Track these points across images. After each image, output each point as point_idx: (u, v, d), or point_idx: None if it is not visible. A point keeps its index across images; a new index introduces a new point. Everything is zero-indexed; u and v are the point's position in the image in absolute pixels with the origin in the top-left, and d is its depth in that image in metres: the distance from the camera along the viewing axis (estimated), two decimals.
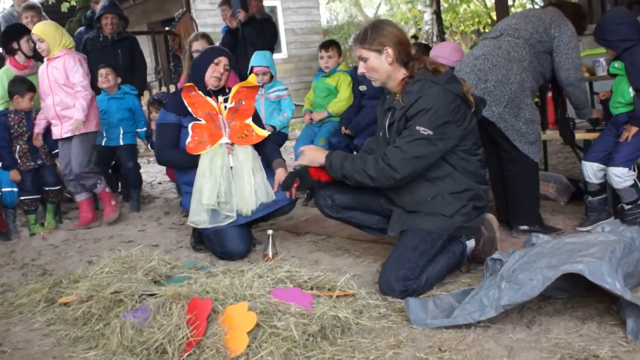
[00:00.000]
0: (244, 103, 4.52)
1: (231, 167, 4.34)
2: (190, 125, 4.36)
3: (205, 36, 6.27)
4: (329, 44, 6.27)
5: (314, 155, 3.81)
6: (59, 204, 6.08)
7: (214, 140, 4.35)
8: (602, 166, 4.33)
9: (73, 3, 12.21)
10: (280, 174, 4.32)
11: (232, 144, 4.40)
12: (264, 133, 4.53)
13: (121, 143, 6.36)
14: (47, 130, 5.89)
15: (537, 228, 4.30)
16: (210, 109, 4.42)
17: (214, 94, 4.50)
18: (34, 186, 5.76)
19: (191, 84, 4.41)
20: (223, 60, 4.49)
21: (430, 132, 3.38)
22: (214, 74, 4.46)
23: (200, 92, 4.43)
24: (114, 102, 6.34)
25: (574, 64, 4.32)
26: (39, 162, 5.80)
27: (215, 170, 4.27)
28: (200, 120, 4.38)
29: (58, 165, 6.00)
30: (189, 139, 4.34)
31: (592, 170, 4.37)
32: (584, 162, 4.45)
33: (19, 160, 5.71)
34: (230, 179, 4.30)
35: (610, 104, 4.43)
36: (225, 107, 4.46)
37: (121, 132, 6.34)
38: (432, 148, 3.40)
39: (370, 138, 4.09)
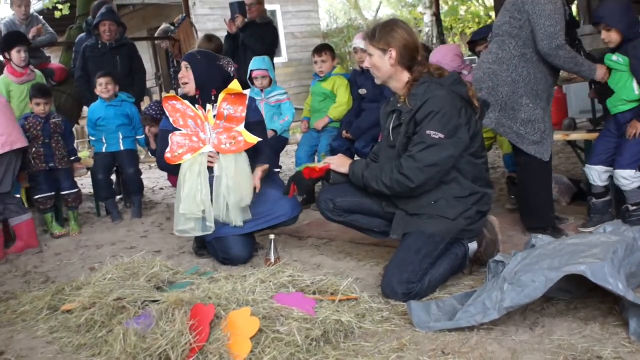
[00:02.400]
0: (232, 110, 4.39)
1: (215, 176, 4.28)
2: (170, 136, 4.34)
3: (210, 39, 6.28)
4: (322, 49, 6.27)
5: (340, 163, 3.88)
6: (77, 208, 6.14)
7: (195, 150, 4.30)
8: (606, 168, 4.29)
9: (66, 12, 12.26)
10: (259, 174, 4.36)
11: (218, 153, 4.34)
12: (254, 140, 4.37)
13: (122, 148, 6.37)
14: (67, 136, 6.09)
15: (546, 232, 4.20)
16: (195, 117, 4.38)
17: (202, 103, 4.44)
18: (47, 185, 5.86)
19: (172, 94, 4.41)
20: (183, 65, 4.48)
21: (442, 136, 3.39)
22: (181, 81, 4.49)
23: (186, 102, 4.39)
24: (112, 109, 6.36)
25: (547, 33, 4.07)
26: (51, 164, 5.87)
27: (193, 178, 4.23)
28: (180, 130, 4.36)
29: (75, 171, 6.18)
30: (167, 149, 4.32)
31: (596, 174, 4.33)
32: (588, 166, 4.40)
33: (32, 162, 5.78)
34: (208, 188, 4.25)
35: (609, 102, 4.31)
36: (214, 115, 4.41)
37: (120, 137, 6.35)
38: (445, 153, 3.41)
39: (378, 145, 4.11)
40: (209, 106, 4.43)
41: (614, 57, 4.22)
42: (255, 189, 4.29)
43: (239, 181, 4.27)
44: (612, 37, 4.20)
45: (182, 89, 4.53)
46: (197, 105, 4.42)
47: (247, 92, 5.47)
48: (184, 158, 4.29)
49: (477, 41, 5.30)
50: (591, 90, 4.73)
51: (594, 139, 4.60)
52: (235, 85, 4.46)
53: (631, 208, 4.21)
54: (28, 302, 3.86)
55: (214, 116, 4.39)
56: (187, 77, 4.45)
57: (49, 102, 5.91)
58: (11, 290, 4.28)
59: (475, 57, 7.39)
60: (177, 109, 4.38)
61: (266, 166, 4.39)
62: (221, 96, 4.40)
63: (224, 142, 4.35)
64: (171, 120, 4.37)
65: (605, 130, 4.40)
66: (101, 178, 6.32)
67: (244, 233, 4.34)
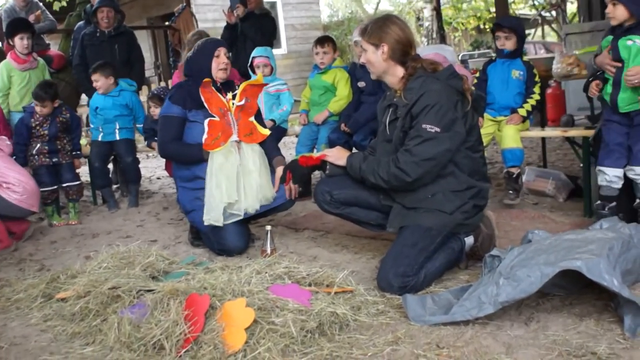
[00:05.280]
0: (249, 101, 4.49)
1: (239, 164, 4.30)
2: (206, 122, 4.30)
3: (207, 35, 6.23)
4: (324, 40, 6.24)
5: (337, 155, 3.88)
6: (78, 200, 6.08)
7: (227, 138, 4.31)
8: (622, 170, 4.01)
9: (63, 3, 12.12)
10: (281, 172, 4.33)
11: (240, 142, 4.37)
12: (266, 132, 4.51)
13: (117, 138, 6.37)
14: (73, 129, 6.04)
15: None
16: (222, 105, 4.38)
17: (224, 90, 4.45)
18: (50, 179, 5.81)
19: (208, 79, 4.33)
20: (222, 50, 4.43)
21: (438, 129, 3.38)
22: (220, 67, 4.40)
23: (213, 88, 4.38)
24: (110, 99, 6.32)
25: None
26: (55, 159, 5.86)
27: (231, 168, 4.24)
28: (214, 117, 4.33)
29: (76, 164, 6.10)
30: (205, 136, 4.27)
31: (614, 175, 4.04)
32: (601, 168, 4.09)
33: (35, 156, 5.77)
34: (241, 178, 4.29)
35: (620, 100, 3.96)
36: (234, 103, 4.43)
37: (117, 127, 6.34)
38: (441, 147, 3.40)
39: (375, 138, 4.10)
40: (229, 95, 4.45)
41: (629, 42, 3.86)
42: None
43: (262, 170, 4.36)
44: (617, 13, 3.90)
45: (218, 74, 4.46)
46: (221, 93, 4.42)
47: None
48: (221, 145, 4.28)
49: (503, 27, 5.17)
50: (591, 86, 4.24)
51: (591, 135, 4.57)
52: (259, 78, 4.54)
53: None
54: (22, 289, 3.86)
55: (234, 105, 4.42)
56: (228, 64, 4.48)
57: (47, 105, 5.76)
58: (5, 277, 4.27)
59: (475, 52, 7.38)
60: (209, 96, 4.35)
61: (284, 164, 4.40)
62: (242, 86, 4.45)
63: (245, 132, 4.40)
64: (206, 106, 4.33)
65: (611, 124, 4.08)
66: (97, 166, 6.31)
67: (240, 219, 4.32)
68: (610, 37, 4.05)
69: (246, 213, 4.30)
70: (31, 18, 7.50)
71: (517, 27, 5.14)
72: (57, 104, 5.89)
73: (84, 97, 8.28)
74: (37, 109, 5.77)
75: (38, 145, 5.78)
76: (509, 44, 5.11)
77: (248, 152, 4.36)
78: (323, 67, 6.15)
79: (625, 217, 3.98)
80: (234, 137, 4.35)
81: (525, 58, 5.31)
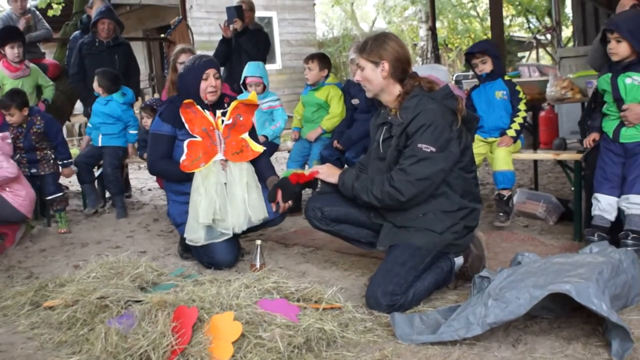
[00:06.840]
0: (242, 118, 4.45)
1: (225, 184, 4.29)
2: (185, 143, 4.29)
3: (190, 51, 6.23)
4: (310, 57, 6.26)
5: (329, 172, 3.88)
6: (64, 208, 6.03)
7: (209, 158, 4.29)
8: (617, 199, 4.00)
9: (57, 13, 12.09)
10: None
11: (227, 160, 4.35)
12: (260, 149, 4.47)
13: (99, 144, 6.46)
14: (52, 138, 5.95)
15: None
16: (208, 124, 4.34)
17: (212, 108, 4.42)
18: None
19: (190, 100, 4.29)
20: (211, 72, 4.36)
21: (433, 149, 3.39)
22: (208, 90, 4.35)
23: (198, 107, 4.33)
24: (98, 105, 6.50)
25: None
26: (33, 170, 5.78)
27: (210, 187, 4.22)
28: (196, 137, 4.31)
29: (66, 172, 6.12)
30: (183, 157, 4.27)
31: (608, 203, 4.03)
32: (598, 195, 4.08)
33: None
34: (225, 196, 4.26)
35: (623, 133, 4.01)
36: (223, 121, 4.40)
37: (100, 135, 6.45)
38: (436, 167, 3.41)
39: (365, 155, 4.10)
40: (218, 112, 4.42)
41: (628, 80, 3.95)
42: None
43: (250, 188, 4.32)
44: (620, 49, 3.94)
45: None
46: (207, 112, 4.39)
47: (241, 96, 5.48)
48: (200, 166, 4.27)
49: (474, 54, 5.25)
50: (587, 140, 4.37)
51: (582, 157, 4.56)
52: (253, 97, 4.51)
53: (631, 235, 3.87)
54: (10, 296, 3.84)
55: (223, 122, 4.39)
56: (217, 87, 4.40)
57: (14, 113, 5.61)
58: None
59: (469, 73, 7.43)
60: (192, 116, 4.32)
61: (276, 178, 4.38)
62: (234, 104, 4.43)
63: (233, 150, 4.37)
64: (187, 126, 4.30)
65: (608, 153, 4.11)
66: (82, 161, 6.41)
67: (231, 235, 4.32)
68: (608, 75, 4.07)
69: (233, 232, 4.30)
70: (21, 23, 7.51)
71: (488, 48, 5.18)
72: (27, 112, 5.71)
73: (78, 106, 8.30)
74: (7, 118, 5.64)
75: (17, 156, 5.69)
76: (486, 67, 5.14)
77: (235, 171, 4.33)
78: (308, 83, 6.17)
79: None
80: (218, 157, 4.33)
81: (507, 77, 5.34)
